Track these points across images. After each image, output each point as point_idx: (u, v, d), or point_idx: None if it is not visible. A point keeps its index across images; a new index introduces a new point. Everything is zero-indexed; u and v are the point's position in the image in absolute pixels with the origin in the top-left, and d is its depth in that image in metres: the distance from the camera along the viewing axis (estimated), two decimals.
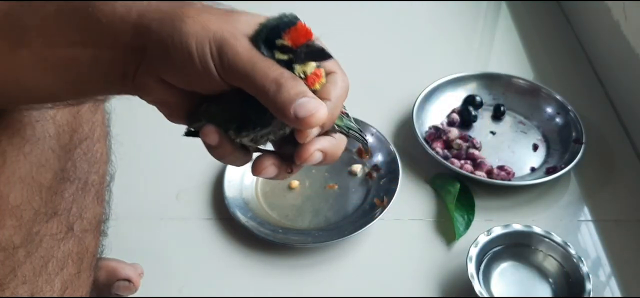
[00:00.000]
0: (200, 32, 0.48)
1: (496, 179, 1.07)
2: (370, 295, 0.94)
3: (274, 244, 0.98)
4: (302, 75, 0.50)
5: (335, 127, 0.54)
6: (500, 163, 1.10)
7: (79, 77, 0.51)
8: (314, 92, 0.50)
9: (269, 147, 0.56)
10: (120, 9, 0.49)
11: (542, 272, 0.94)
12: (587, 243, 1.01)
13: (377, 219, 0.99)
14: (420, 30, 1.48)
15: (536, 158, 1.13)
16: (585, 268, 0.90)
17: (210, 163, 1.10)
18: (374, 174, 1.08)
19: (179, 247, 1.00)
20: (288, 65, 0.50)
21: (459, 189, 1.04)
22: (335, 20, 1.43)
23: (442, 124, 1.18)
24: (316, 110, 0.48)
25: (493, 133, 1.18)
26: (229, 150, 0.53)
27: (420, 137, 1.12)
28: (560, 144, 1.14)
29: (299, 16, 0.52)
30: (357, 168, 1.10)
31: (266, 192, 1.07)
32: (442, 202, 1.06)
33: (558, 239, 0.94)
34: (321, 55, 0.51)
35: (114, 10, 0.49)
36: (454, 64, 1.34)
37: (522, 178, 1.08)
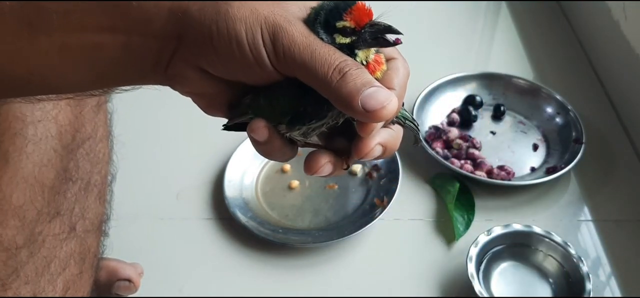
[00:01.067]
0: (249, 17, 0.43)
1: (496, 179, 1.07)
2: (370, 295, 0.94)
3: (274, 244, 0.98)
4: (364, 62, 0.46)
5: (394, 118, 0.50)
6: (500, 163, 1.11)
7: (104, 66, 0.47)
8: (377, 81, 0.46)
9: (315, 140, 0.52)
10: None
11: (542, 272, 0.94)
12: (587, 243, 1.01)
13: (377, 219, 0.99)
14: (420, 30, 1.48)
15: (536, 158, 1.13)
16: (585, 268, 0.91)
17: (210, 163, 1.11)
18: (374, 174, 1.08)
19: (179, 247, 1.00)
20: (350, 51, 0.46)
21: (459, 189, 1.04)
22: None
23: (442, 124, 1.18)
24: (388, 101, 0.43)
25: (493, 133, 1.18)
26: (278, 145, 0.49)
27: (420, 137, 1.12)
28: (560, 143, 1.14)
29: None
30: (357, 168, 1.10)
31: (266, 192, 1.07)
32: (442, 202, 1.06)
33: (558, 239, 0.94)
34: (389, 32, 0.46)
35: None
36: (454, 64, 1.34)
37: (522, 178, 1.08)
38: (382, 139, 0.48)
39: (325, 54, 0.44)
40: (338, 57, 0.44)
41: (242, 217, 1.00)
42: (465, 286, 0.90)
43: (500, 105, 1.21)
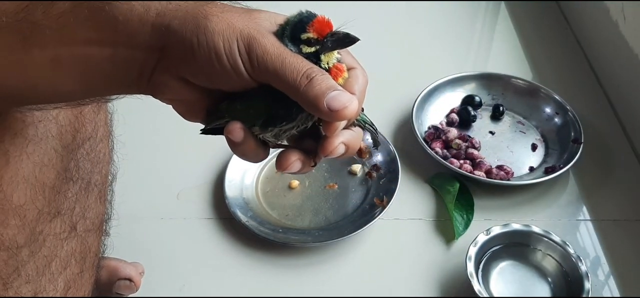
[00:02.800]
0: (226, 30, 0.48)
1: (495, 179, 1.07)
2: (370, 294, 0.94)
3: (274, 244, 0.98)
4: (327, 67, 0.52)
5: (355, 120, 0.55)
6: (499, 163, 1.11)
7: (93, 77, 0.51)
8: None
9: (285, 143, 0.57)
10: (138, 7, 0.48)
11: (541, 271, 0.94)
12: (585, 242, 1.01)
13: (376, 219, 0.99)
14: (419, 30, 1.49)
15: (535, 158, 1.13)
16: (583, 268, 0.91)
17: (210, 163, 1.11)
18: (374, 174, 1.08)
19: (180, 247, 1.00)
20: (315, 59, 0.51)
21: (458, 189, 1.05)
22: (334, 20, 1.42)
23: (441, 124, 1.18)
24: (349, 102, 0.49)
25: (492, 133, 1.18)
26: (252, 146, 0.53)
27: (419, 137, 1.12)
28: (559, 143, 1.14)
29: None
30: (357, 168, 1.10)
31: (266, 192, 1.07)
32: (441, 202, 1.06)
33: (557, 238, 0.94)
34: (348, 40, 0.52)
35: (132, 8, 0.48)
36: (453, 64, 1.35)
37: (521, 178, 1.09)
38: (345, 138, 0.53)
39: (294, 62, 0.49)
40: (305, 65, 0.49)
41: (242, 216, 1.01)
42: (465, 285, 0.90)
43: (499, 106, 1.22)
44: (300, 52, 0.51)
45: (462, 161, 1.11)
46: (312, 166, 0.55)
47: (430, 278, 0.95)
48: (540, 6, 1.56)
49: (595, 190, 1.10)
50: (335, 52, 0.53)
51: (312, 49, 0.51)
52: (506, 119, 1.21)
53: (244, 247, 1.00)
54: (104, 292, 0.88)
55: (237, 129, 0.51)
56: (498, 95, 1.24)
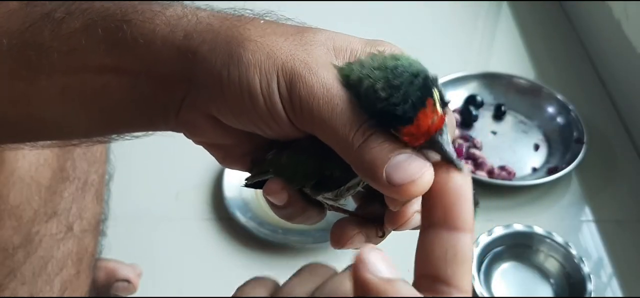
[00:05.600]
0: (265, 62, 0.37)
1: (497, 179, 1.06)
2: None
3: (274, 244, 0.97)
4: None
5: None
6: (501, 163, 1.10)
7: (110, 111, 0.42)
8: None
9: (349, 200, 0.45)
10: (162, 27, 0.40)
11: (544, 273, 0.93)
12: (588, 243, 1.01)
13: None
14: (420, 29, 1.48)
15: (537, 158, 1.12)
16: (586, 269, 0.90)
17: (210, 163, 1.10)
18: None
19: (179, 248, 1.00)
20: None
21: None
22: (334, 20, 1.41)
23: None
24: (420, 173, 0.35)
25: (494, 133, 1.18)
26: (301, 208, 0.43)
27: None
28: (561, 143, 1.14)
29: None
30: None
31: None
32: None
33: (559, 239, 0.94)
34: (448, 162, 0.36)
35: (155, 29, 0.39)
36: (455, 64, 1.34)
37: (523, 178, 1.08)
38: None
39: (348, 110, 0.37)
40: (363, 115, 0.37)
41: (241, 217, 1.00)
42: None
43: (501, 105, 1.21)
44: (362, 96, 0.37)
45: (463, 161, 1.10)
46: (380, 237, 0.43)
47: None
48: (542, 5, 1.55)
49: (598, 190, 1.09)
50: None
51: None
52: (508, 118, 1.21)
53: (243, 248, 0.99)
54: (101, 294, 0.88)
55: (278, 190, 0.41)
56: (500, 94, 1.23)
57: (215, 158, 0.45)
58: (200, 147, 0.45)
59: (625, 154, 1.16)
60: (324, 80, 0.37)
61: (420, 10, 1.54)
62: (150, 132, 0.46)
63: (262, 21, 0.40)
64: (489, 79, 1.25)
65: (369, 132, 0.36)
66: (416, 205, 0.40)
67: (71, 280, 0.64)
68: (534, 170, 1.10)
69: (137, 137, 0.46)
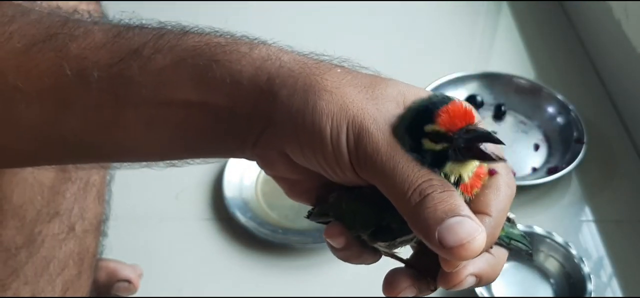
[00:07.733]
0: (338, 114, 0.39)
1: None
2: (370, 295, 0.93)
3: (274, 245, 0.98)
4: (457, 180, 0.40)
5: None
6: None
7: (191, 141, 0.45)
8: (469, 202, 0.40)
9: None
10: (248, 69, 0.42)
11: (544, 273, 0.93)
12: (588, 243, 1.01)
13: None
14: (420, 29, 1.48)
15: (537, 158, 1.13)
16: (586, 269, 0.90)
17: (210, 163, 1.10)
18: None
19: (179, 248, 1.00)
20: (441, 159, 0.39)
21: None
22: (334, 20, 1.42)
23: None
24: (472, 237, 0.37)
25: (494, 133, 1.17)
26: (357, 252, 0.45)
27: None
28: (561, 143, 1.14)
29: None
30: None
31: (266, 192, 1.06)
32: None
33: (559, 239, 0.94)
34: (488, 140, 0.39)
35: (242, 70, 0.42)
36: (455, 64, 1.34)
37: (523, 178, 1.08)
38: (477, 268, 0.41)
39: (409, 169, 0.39)
40: (422, 176, 0.38)
41: (241, 217, 1.00)
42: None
43: (501, 105, 1.21)
44: (419, 148, 0.39)
45: None
46: (432, 289, 0.43)
47: None
48: (542, 5, 1.55)
49: (598, 190, 1.10)
50: (474, 161, 0.40)
51: (438, 147, 0.39)
52: (508, 118, 1.21)
53: (243, 248, 0.99)
54: (102, 294, 0.88)
55: (337, 234, 0.43)
56: (500, 94, 1.23)
57: (282, 189, 0.47)
58: None
59: (625, 154, 1.16)
60: (390, 137, 0.39)
61: (421, 10, 1.54)
62: (224, 159, 0.47)
63: (338, 70, 0.42)
64: (489, 79, 1.25)
65: (426, 192, 0.38)
66: (471, 267, 0.40)
67: (73, 280, 0.64)
68: (534, 170, 1.10)
69: (211, 162, 0.49)
